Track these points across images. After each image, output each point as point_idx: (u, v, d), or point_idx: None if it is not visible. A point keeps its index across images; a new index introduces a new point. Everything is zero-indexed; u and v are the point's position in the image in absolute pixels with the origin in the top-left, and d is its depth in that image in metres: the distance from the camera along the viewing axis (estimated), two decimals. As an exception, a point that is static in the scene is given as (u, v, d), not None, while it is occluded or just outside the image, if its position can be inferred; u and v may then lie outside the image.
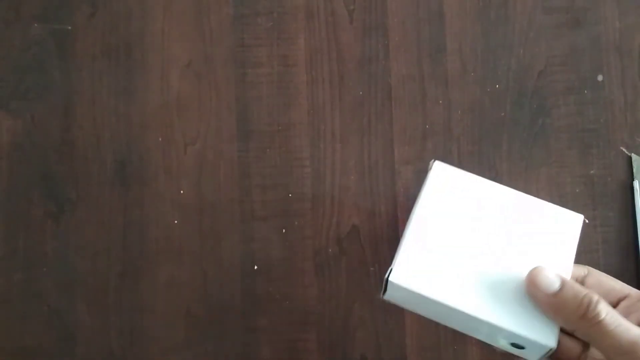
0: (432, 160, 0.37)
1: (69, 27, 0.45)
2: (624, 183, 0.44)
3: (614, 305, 0.35)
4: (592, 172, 0.44)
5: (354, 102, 0.45)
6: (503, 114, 0.45)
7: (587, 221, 0.36)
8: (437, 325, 0.42)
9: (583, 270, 0.37)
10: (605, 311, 0.29)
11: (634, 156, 0.44)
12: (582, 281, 0.36)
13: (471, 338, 0.43)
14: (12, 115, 0.44)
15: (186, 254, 0.44)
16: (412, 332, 0.43)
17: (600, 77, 0.45)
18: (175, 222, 0.44)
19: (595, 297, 0.30)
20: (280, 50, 0.45)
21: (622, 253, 0.44)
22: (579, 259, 0.43)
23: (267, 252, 0.43)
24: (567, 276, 0.33)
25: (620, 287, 0.35)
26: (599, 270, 0.43)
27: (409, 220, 0.35)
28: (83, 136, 0.44)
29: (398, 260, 0.33)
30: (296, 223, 0.44)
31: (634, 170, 0.44)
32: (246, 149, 0.44)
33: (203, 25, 0.45)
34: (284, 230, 0.44)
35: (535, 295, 0.31)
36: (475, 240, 0.34)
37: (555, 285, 0.31)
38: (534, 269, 0.32)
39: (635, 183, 0.44)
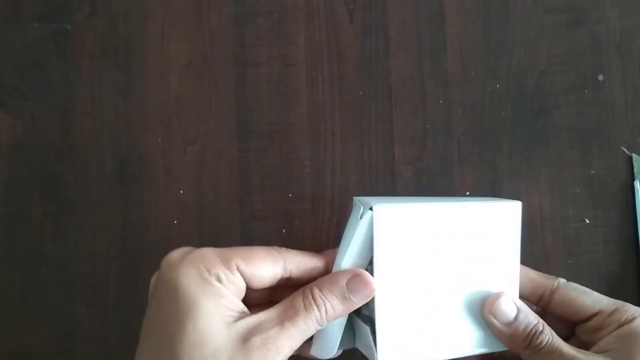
0: (356, 200, 0.36)
1: (69, 27, 0.45)
2: (624, 183, 0.44)
3: (586, 320, 0.35)
4: (592, 172, 0.44)
5: (354, 102, 0.44)
6: (503, 113, 0.44)
7: (519, 202, 0.36)
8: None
9: (553, 282, 0.37)
10: (545, 341, 0.33)
11: (634, 156, 0.44)
12: (548, 297, 0.36)
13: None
14: (12, 115, 0.44)
15: (186, 254, 0.43)
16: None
17: (600, 77, 0.45)
18: (175, 222, 0.44)
19: (540, 327, 0.33)
20: (280, 50, 0.45)
21: (623, 253, 0.44)
22: (580, 260, 0.44)
23: (267, 252, 0.43)
24: (515, 279, 0.35)
25: (591, 303, 0.35)
26: (599, 268, 0.43)
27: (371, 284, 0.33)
28: (83, 136, 0.44)
29: (379, 345, 0.33)
30: (296, 223, 0.44)
31: (635, 170, 0.44)
32: (246, 149, 0.44)
33: (203, 24, 0.45)
34: (284, 231, 0.44)
35: (491, 323, 0.34)
36: (436, 276, 0.34)
37: (511, 316, 0.34)
38: (491, 297, 0.34)
39: (636, 183, 0.44)
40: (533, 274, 0.37)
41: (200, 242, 0.43)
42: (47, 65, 0.44)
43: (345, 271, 0.33)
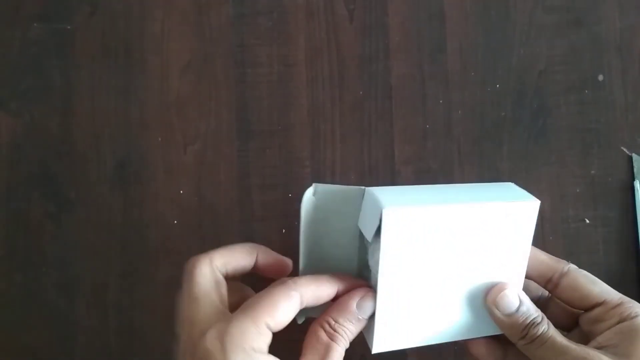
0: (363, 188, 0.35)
1: (69, 27, 0.45)
2: (624, 183, 0.44)
3: (590, 309, 0.35)
4: (592, 172, 0.44)
5: (354, 102, 0.44)
6: (503, 113, 0.44)
7: (537, 202, 0.35)
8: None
9: (563, 266, 0.36)
10: (540, 331, 0.33)
11: (634, 156, 0.44)
12: (557, 280, 0.36)
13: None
14: (12, 115, 0.44)
15: (186, 254, 0.43)
16: (412, 332, 0.42)
17: (600, 77, 0.45)
18: (175, 222, 0.44)
19: (539, 319, 0.34)
20: (280, 50, 0.45)
21: (623, 253, 0.44)
22: (580, 260, 0.44)
23: (267, 252, 0.43)
24: (521, 273, 0.36)
25: (598, 292, 0.35)
26: (600, 268, 0.43)
27: (374, 278, 0.34)
28: (82, 136, 0.44)
29: (375, 332, 0.34)
30: (296, 223, 0.44)
31: (635, 170, 0.44)
32: (246, 149, 0.44)
33: (203, 24, 0.45)
34: (283, 231, 0.44)
35: (493, 313, 0.35)
36: (439, 269, 0.34)
37: (513, 308, 0.34)
38: (496, 288, 0.35)
39: (636, 183, 0.44)
40: (544, 256, 0.37)
41: (200, 242, 0.43)
42: (47, 66, 0.44)
43: (352, 294, 0.34)
